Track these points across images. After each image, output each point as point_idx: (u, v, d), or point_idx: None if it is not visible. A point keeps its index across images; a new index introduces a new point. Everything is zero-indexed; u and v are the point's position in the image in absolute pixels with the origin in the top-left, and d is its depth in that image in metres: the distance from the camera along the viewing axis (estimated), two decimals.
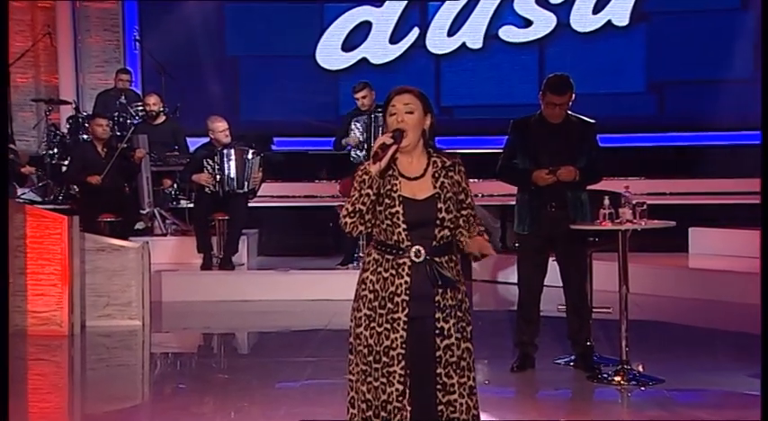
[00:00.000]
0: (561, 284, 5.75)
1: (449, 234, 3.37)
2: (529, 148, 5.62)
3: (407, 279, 3.33)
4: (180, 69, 11.11)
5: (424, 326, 3.34)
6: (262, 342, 7.32)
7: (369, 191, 3.33)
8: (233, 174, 8.60)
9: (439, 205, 3.34)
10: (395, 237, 3.34)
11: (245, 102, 11.72)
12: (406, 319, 3.32)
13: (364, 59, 11.66)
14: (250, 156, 8.67)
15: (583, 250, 5.75)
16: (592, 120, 5.72)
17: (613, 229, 5.43)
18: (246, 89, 11.75)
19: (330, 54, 11.71)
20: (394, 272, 3.34)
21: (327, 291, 8.10)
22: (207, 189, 8.62)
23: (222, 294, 8.36)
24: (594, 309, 5.88)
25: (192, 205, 9.22)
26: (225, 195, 8.59)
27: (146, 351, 6.92)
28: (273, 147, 11.36)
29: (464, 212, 3.42)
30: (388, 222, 3.34)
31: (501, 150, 5.78)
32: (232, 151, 8.64)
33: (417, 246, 3.33)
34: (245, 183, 8.62)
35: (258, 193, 8.85)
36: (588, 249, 5.83)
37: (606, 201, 5.46)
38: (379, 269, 3.37)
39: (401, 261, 3.34)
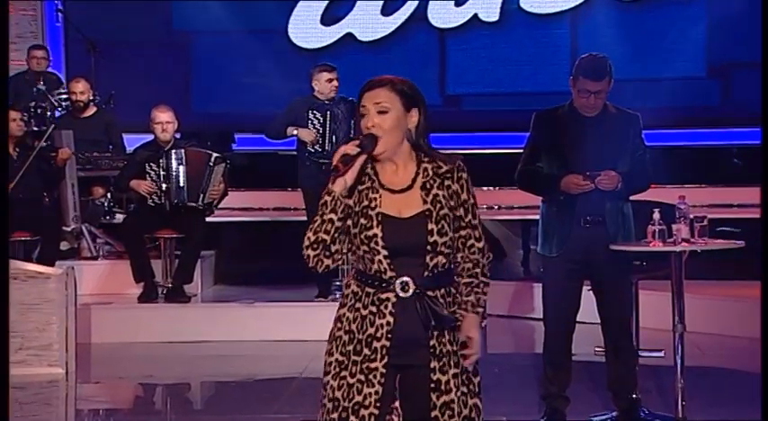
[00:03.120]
0: (599, 320, 5.75)
1: (445, 261, 3.38)
2: (557, 148, 5.63)
3: (390, 319, 3.34)
4: (115, 47, 11.12)
5: (416, 378, 3.36)
6: (220, 395, 7.30)
7: (332, 216, 3.34)
8: (183, 182, 8.61)
9: (429, 225, 3.34)
10: (375, 267, 3.35)
11: (197, 89, 11.73)
12: (384, 371, 3.34)
13: (349, 35, 11.68)
14: (213, 161, 8.69)
15: (626, 277, 5.76)
16: (636, 113, 5.73)
17: (665, 251, 5.45)
18: (200, 73, 11.76)
19: (306, 29, 11.73)
20: (374, 309, 3.36)
21: (303, 329, 8.09)
22: (149, 200, 8.63)
23: (169, 334, 8.36)
24: (642, 352, 5.89)
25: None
26: (173, 208, 8.61)
27: (70, 407, 6.90)
28: (234, 147, 11.37)
29: (462, 233, 3.42)
30: (365, 248, 3.35)
31: (521, 150, 5.80)
32: (182, 152, 8.66)
33: (404, 278, 3.34)
34: (201, 196, 8.65)
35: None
36: (633, 276, 5.85)
37: (656, 215, 5.47)
38: (358, 305, 3.39)
39: (384, 296, 3.35)
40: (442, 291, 3.38)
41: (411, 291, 3.33)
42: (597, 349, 5.85)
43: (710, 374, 7.10)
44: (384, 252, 3.33)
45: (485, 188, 10.79)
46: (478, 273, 3.44)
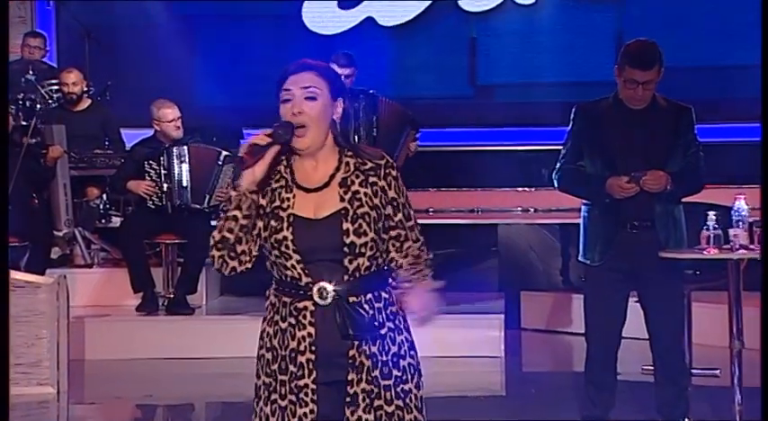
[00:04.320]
0: (647, 336, 5.74)
1: (369, 263, 3.36)
2: (600, 145, 5.63)
3: (311, 330, 3.33)
4: (112, 35, 11.15)
5: (339, 394, 3.34)
6: (226, 417, 7.31)
7: (236, 213, 3.33)
8: (186, 182, 8.63)
9: (345, 225, 3.32)
10: (290, 273, 3.35)
11: (203, 80, 11.74)
12: (314, 387, 3.33)
13: (370, 20, 11.68)
14: (222, 160, 8.70)
15: (678, 288, 5.74)
16: (688, 106, 5.73)
17: (722, 259, 5.43)
18: (206, 62, 11.78)
19: (322, 13, 11.74)
20: (293, 320, 3.35)
21: None
22: (149, 202, 8.66)
23: (170, 350, 8.38)
24: (695, 371, 5.87)
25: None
26: (175, 211, 8.62)
27: None
28: (242, 143, 11.38)
29: (392, 233, 3.40)
30: (276, 253, 3.35)
31: (560, 147, 5.80)
32: (185, 149, 8.67)
33: (322, 283, 3.32)
34: (206, 197, 8.66)
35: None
36: (685, 287, 5.84)
37: (711, 219, 5.45)
38: (276, 317, 3.39)
39: (301, 305, 3.35)
40: (369, 295, 3.36)
41: (330, 297, 3.32)
42: (645, 368, 5.84)
43: None
44: (296, 257, 3.32)
45: (519, 189, 10.77)
46: (420, 262, 3.43)
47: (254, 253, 3.37)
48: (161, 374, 8.12)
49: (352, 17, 11.72)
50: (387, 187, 3.39)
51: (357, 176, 3.38)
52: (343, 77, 8.55)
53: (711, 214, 5.49)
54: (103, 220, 9.82)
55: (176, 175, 8.64)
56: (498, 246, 10.03)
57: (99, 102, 10.14)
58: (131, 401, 7.72)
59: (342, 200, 3.35)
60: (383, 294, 3.39)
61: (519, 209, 10.59)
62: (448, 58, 11.21)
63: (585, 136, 5.67)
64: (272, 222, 3.34)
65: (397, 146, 8.41)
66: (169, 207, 8.63)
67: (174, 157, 8.64)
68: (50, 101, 10.05)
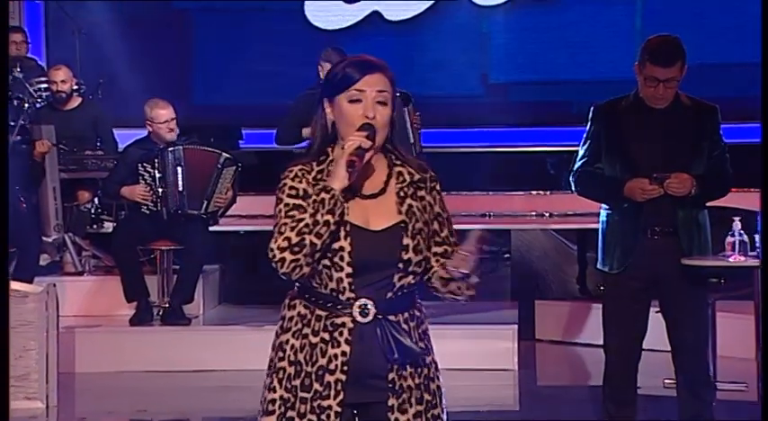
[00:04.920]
0: (669, 348, 5.73)
1: (414, 281, 3.35)
2: (620, 146, 5.63)
3: (346, 348, 3.30)
4: (103, 30, 11.16)
5: (374, 418, 3.33)
6: None
7: (328, 217, 3.27)
8: (182, 186, 8.62)
9: (405, 240, 3.31)
10: (332, 285, 3.31)
11: (200, 77, 11.75)
12: (339, 410, 3.31)
13: (376, 14, 11.69)
14: (222, 162, 8.70)
15: (701, 298, 5.73)
16: (714, 105, 5.72)
17: (748, 266, 5.42)
18: (203, 59, 11.79)
19: (325, 7, 11.75)
20: (327, 336, 3.32)
21: None
22: (143, 207, 8.65)
23: (166, 362, 8.37)
24: (720, 385, 5.85)
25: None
26: (170, 216, 8.62)
27: None
28: (242, 144, 11.38)
29: (438, 249, 3.39)
30: (326, 262, 3.30)
31: (578, 148, 5.80)
32: (181, 151, 8.67)
33: (364, 300, 3.30)
34: (204, 203, 8.65)
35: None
36: (710, 296, 5.83)
37: (737, 225, 5.45)
38: (306, 330, 3.35)
39: (339, 320, 3.32)
40: (405, 315, 3.36)
41: (371, 315, 3.30)
42: (667, 381, 5.83)
43: None
44: (348, 269, 3.29)
45: (534, 192, 10.77)
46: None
47: None
48: (155, 388, 8.11)
49: (357, 11, 11.72)
50: (433, 202, 3.40)
51: (409, 188, 3.38)
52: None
53: (737, 219, 5.49)
54: (95, 225, 9.82)
55: (172, 179, 8.62)
56: (511, 253, 10.02)
57: (90, 100, 10.15)
58: (124, 417, 7.72)
59: (399, 212, 3.34)
60: (416, 312, 3.39)
61: (533, 213, 10.58)
62: (458, 54, 11.21)
63: (604, 137, 5.67)
64: None
65: (406, 130, 8.34)
66: (164, 212, 8.62)
67: (170, 160, 8.63)
68: (39, 99, 10.05)
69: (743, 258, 5.42)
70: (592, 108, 5.77)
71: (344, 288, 3.30)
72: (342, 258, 3.28)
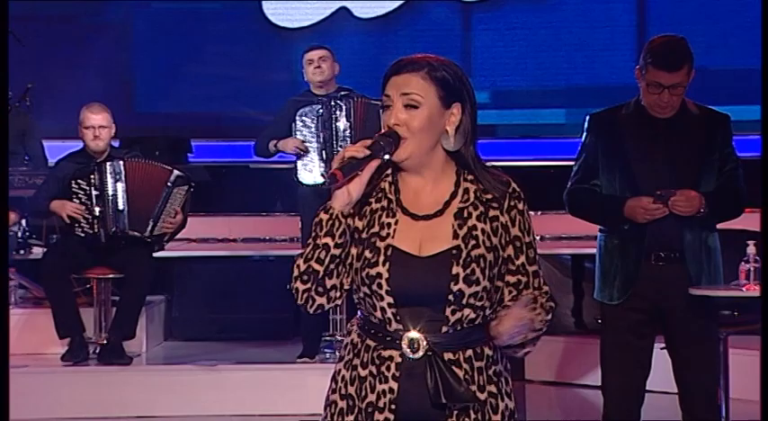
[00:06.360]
0: (676, 389, 5.74)
1: (475, 315, 3.34)
2: (619, 161, 5.65)
3: (393, 385, 3.32)
4: (33, 29, 11.13)
5: None
6: None
7: (327, 240, 3.32)
8: (122, 205, 8.59)
9: (454, 269, 3.30)
10: (378, 315, 3.34)
11: (142, 82, 11.74)
12: None
13: (344, 11, 11.72)
14: (173, 181, 8.67)
15: (712, 332, 5.76)
16: (725, 113, 5.76)
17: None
18: (145, 61, 11.78)
19: (286, 3, 11.76)
20: (374, 369, 3.34)
21: (281, 401, 8.11)
22: (77, 229, 8.60)
23: (103, 407, 8.34)
24: None
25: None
26: (109, 240, 8.58)
27: None
28: (191, 158, 11.37)
29: (510, 279, 3.38)
30: (366, 290, 3.33)
31: (572, 163, 5.83)
32: (121, 165, 8.63)
33: (413, 333, 3.31)
34: (150, 224, 8.62)
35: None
36: (721, 330, 5.85)
37: (751, 249, 5.46)
38: (356, 361, 3.38)
39: (387, 353, 3.34)
40: (469, 352, 3.34)
41: (422, 351, 3.30)
42: None
43: None
44: (389, 299, 3.31)
45: None
46: (540, 302, 3.37)
47: (346, 287, 3.39)
48: None
49: (323, 8, 11.75)
50: (510, 223, 3.38)
51: (476, 207, 3.36)
52: (309, 65, 8.62)
53: (751, 243, 5.50)
54: (22, 251, 9.83)
55: (111, 197, 8.59)
56: None
57: (17, 108, 10.10)
58: None
59: (455, 236, 3.32)
60: (486, 350, 3.37)
61: None
62: (436, 54, 11.21)
63: (601, 149, 5.70)
64: (367, 253, 3.32)
65: None
66: (102, 235, 8.59)
67: (108, 175, 8.58)
68: None
69: (758, 288, 5.43)
70: (587, 117, 5.80)
71: (389, 319, 3.32)
72: (380, 286, 3.30)
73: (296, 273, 3.35)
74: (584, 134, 5.77)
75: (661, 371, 5.75)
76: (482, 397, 3.35)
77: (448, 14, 11.66)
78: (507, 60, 11.55)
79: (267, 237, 10.64)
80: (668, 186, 5.53)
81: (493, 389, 3.38)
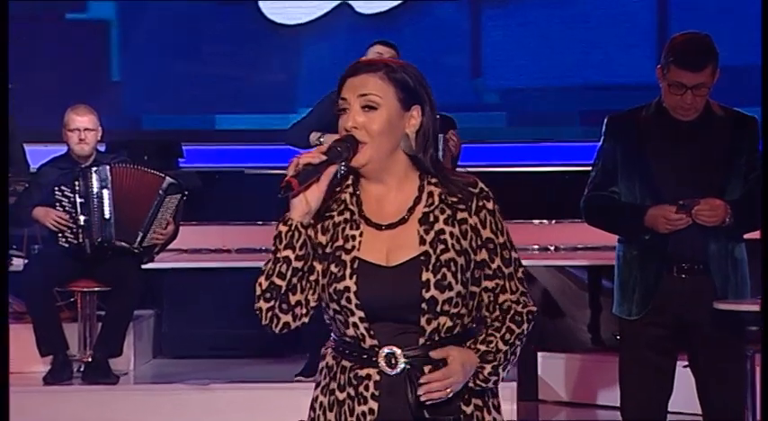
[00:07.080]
0: (700, 410, 5.74)
1: (452, 324, 3.35)
2: (639, 166, 5.66)
3: (373, 405, 3.34)
4: (17, 25, 11.12)
5: None
6: None
7: (287, 253, 3.35)
8: (109, 214, 8.58)
9: (424, 275, 3.32)
10: (351, 332, 3.35)
11: (130, 83, 11.74)
12: None
13: (345, 6, 11.72)
14: (165, 189, 8.66)
15: (738, 349, 5.76)
16: (752, 116, 5.76)
17: None
18: (133, 61, 11.77)
19: None
20: (352, 391, 3.36)
21: (280, 419, 8.05)
22: (61, 239, 8.59)
23: None
24: None
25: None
26: (94, 251, 8.57)
27: None
28: (181, 163, 11.36)
29: (488, 284, 3.40)
30: (335, 306, 3.35)
31: (590, 168, 5.84)
32: (107, 171, 8.62)
33: (390, 347, 3.33)
34: (139, 235, 8.61)
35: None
36: (748, 348, 5.83)
37: None
38: (333, 385, 3.40)
39: (363, 372, 3.36)
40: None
41: (400, 365, 3.32)
42: None
43: None
44: (359, 313, 3.33)
45: (536, 221, 10.77)
46: (506, 318, 3.42)
47: (313, 303, 3.40)
48: None
49: (322, 4, 11.76)
50: (480, 225, 3.39)
51: (442, 211, 3.38)
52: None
53: None
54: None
55: (96, 205, 8.57)
56: None
57: None
58: None
59: (422, 242, 3.34)
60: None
61: (536, 246, 10.57)
62: (444, 55, 11.24)
63: (620, 154, 5.70)
64: (333, 267, 3.34)
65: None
66: (87, 245, 8.57)
67: (94, 181, 8.57)
68: None
69: None
70: (606, 120, 5.81)
71: (362, 334, 3.34)
72: (349, 300, 3.33)
73: (258, 291, 3.38)
74: (602, 138, 5.78)
75: (684, 390, 5.75)
76: (468, 410, 3.38)
77: (455, 10, 11.65)
78: (518, 59, 11.53)
79: (263, 248, 10.60)
80: (691, 193, 5.53)
81: (479, 402, 3.40)
